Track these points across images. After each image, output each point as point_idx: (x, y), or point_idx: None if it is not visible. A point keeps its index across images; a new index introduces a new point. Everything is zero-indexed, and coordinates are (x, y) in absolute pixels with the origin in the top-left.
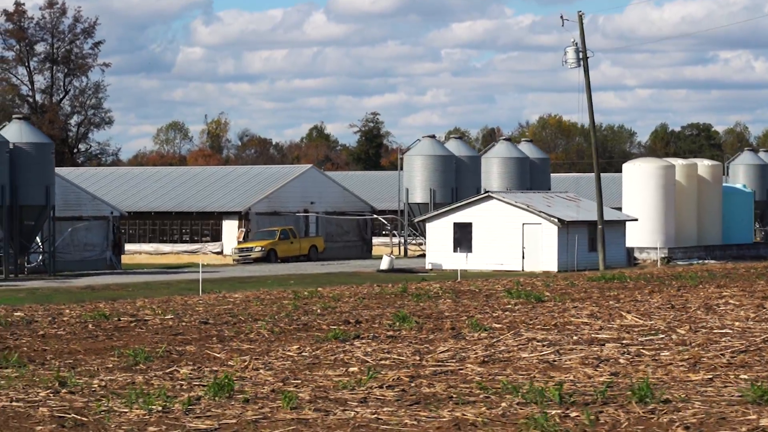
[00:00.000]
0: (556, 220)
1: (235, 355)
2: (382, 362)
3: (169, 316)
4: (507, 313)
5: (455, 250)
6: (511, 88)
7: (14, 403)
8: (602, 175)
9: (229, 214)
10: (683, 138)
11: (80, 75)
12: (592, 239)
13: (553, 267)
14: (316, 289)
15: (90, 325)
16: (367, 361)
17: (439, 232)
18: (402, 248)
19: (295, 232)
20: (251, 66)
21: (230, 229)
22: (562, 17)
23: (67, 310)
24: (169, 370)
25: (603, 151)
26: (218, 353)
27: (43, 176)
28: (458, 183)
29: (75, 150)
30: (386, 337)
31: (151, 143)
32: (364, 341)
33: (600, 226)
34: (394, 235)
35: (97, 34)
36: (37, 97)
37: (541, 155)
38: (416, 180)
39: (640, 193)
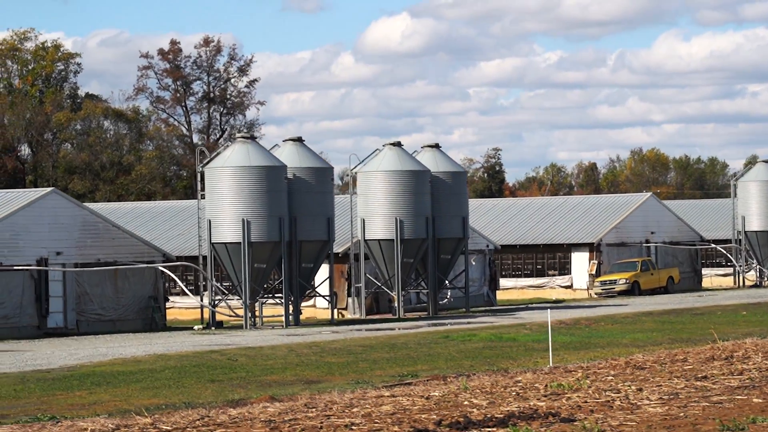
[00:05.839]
0: None
1: None
2: None
3: None
4: None
5: None
6: (538, 125)
7: None
8: None
9: (578, 246)
10: None
11: (237, 113)
12: None
13: None
14: None
15: None
16: None
17: None
18: (740, 278)
19: (654, 263)
20: (278, 108)
21: (579, 262)
22: None
23: None
24: None
25: (701, 183)
26: None
27: (459, 207)
28: None
29: None
30: None
31: None
32: None
33: None
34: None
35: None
36: (195, 137)
37: None
38: (752, 207)
39: None
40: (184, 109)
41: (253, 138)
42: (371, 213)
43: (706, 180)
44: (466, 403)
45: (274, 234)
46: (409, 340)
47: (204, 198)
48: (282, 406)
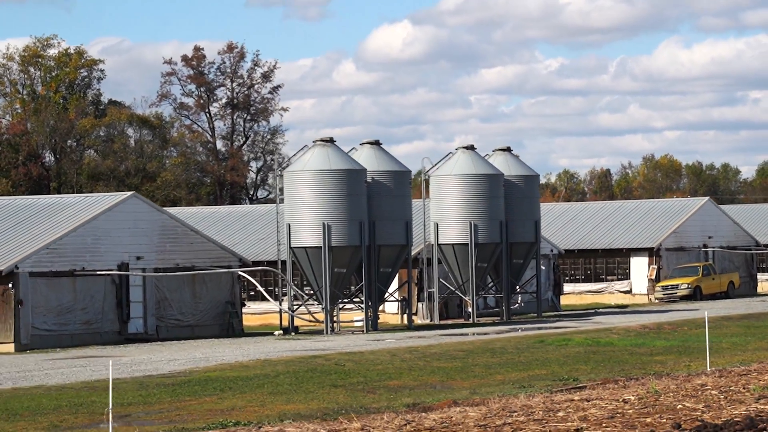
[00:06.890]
0: None
1: None
2: None
3: None
4: None
5: None
6: (539, 132)
7: None
8: None
9: (637, 251)
10: None
11: (260, 120)
12: None
13: None
14: None
15: None
16: None
17: None
18: None
19: (715, 268)
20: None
21: (638, 267)
22: None
23: None
24: None
25: (714, 189)
26: None
27: (532, 211)
28: None
29: (254, 196)
30: None
31: None
32: None
33: None
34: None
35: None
36: (218, 143)
37: None
38: None
39: None
40: (208, 115)
41: (332, 141)
42: (445, 217)
43: (719, 186)
44: (679, 407)
45: (355, 238)
46: (505, 345)
47: (282, 202)
48: (479, 411)
